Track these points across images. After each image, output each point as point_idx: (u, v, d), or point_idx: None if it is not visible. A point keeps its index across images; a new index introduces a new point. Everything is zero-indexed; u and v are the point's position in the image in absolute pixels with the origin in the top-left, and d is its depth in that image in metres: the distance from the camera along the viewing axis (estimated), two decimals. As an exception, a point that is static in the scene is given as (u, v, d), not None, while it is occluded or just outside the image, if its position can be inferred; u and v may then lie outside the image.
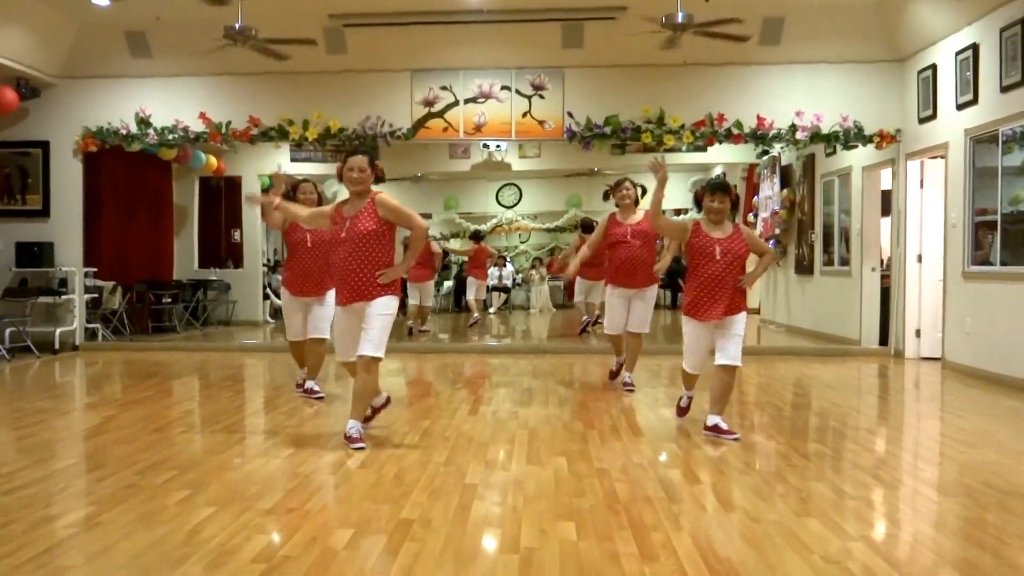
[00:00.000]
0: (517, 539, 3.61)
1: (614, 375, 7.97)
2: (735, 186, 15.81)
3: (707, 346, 5.73)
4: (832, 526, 3.79)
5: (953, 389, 8.23)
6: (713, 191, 5.60)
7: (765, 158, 14.38)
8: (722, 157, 15.26)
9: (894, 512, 4.28)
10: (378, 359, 5.23)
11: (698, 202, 5.80)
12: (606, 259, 7.57)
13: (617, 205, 7.47)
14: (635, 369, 7.76)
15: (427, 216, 21.35)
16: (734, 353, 5.54)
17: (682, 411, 6.22)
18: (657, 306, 18.84)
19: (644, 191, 7.37)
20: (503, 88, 11.04)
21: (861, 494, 4.40)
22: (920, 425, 6.78)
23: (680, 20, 8.63)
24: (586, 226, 13.95)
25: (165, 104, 11.16)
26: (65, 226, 11.29)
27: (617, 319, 7.52)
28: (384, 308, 5.25)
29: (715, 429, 5.59)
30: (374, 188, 5.36)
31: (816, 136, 10.64)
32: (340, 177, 5.39)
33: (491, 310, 18.66)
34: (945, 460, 5.31)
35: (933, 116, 9.64)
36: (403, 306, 17.60)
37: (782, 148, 12.94)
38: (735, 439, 5.50)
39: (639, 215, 7.38)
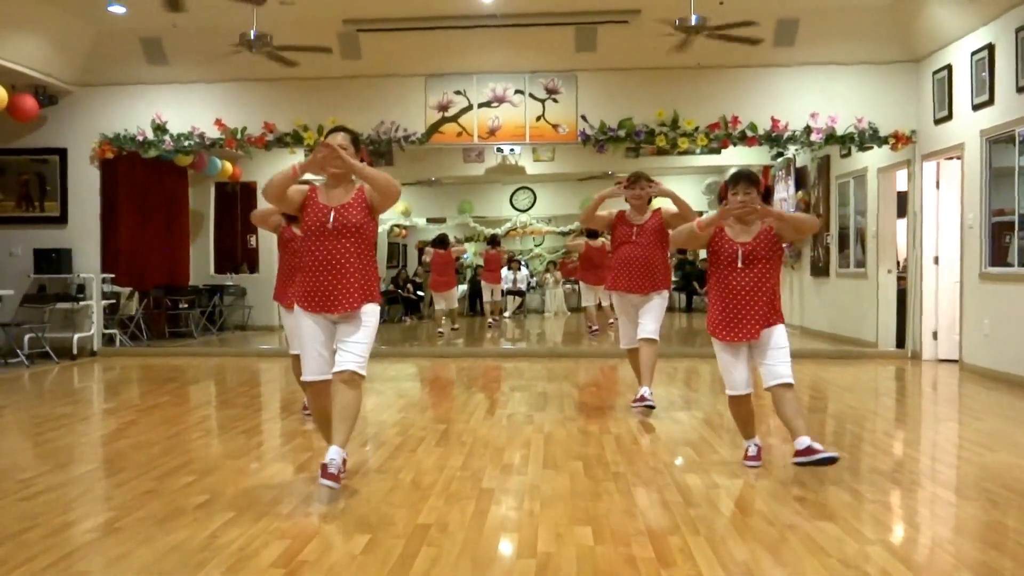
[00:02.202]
0: (534, 544, 3.62)
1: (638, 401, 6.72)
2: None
3: (745, 369, 4.82)
4: (850, 529, 3.77)
5: (971, 391, 8.18)
6: (736, 181, 4.71)
7: (780, 160, 14.35)
8: (736, 159, 15.20)
9: (912, 515, 4.25)
10: (363, 376, 4.42)
11: (722, 199, 4.91)
12: (611, 261, 6.89)
13: (627, 200, 6.70)
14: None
15: (441, 220, 21.41)
16: (781, 370, 4.65)
17: (752, 458, 4.98)
18: (671, 309, 18.71)
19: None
20: (517, 92, 11.06)
21: (879, 497, 4.38)
22: (938, 428, 6.74)
23: (694, 23, 8.61)
24: (592, 232, 13.94)
25: (181, 111, 11.24)
26: (83, 232, 11.38)
27: (629, 330, 6.79)
28: (373, 314, 4.47)
29: (808, 451, 4.50)
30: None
31: (831, 138, 10.61)
32: None
33: (506, 314, 18.68)
34: (964, 463, 5.28)
35: (949, 117, 9.59)
36: (409, 310, 17.82)
37: (797, 150, 12.90)
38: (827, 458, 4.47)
39: (648, 215, 6.67)
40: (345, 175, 4.46)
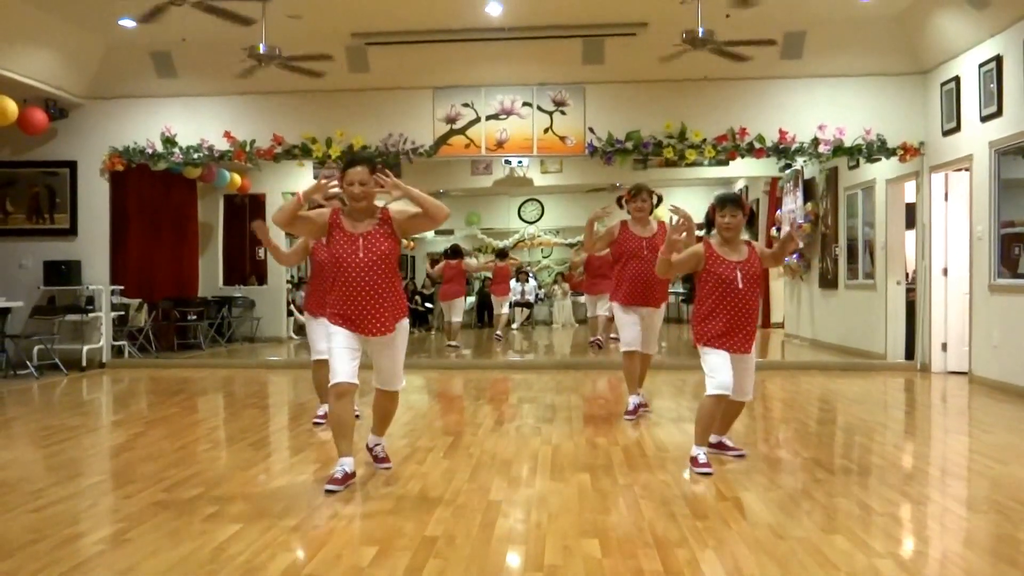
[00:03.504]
0: (541, 556, 3.61)
1: (631, 413, 6.96)
2: (755, 200, 15.80)
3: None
4: (859, 543, 3.76)
5: (981, 404, 8.15)
6: (723, 204, 5.20)
7: (788, 172, 14.34)
8: (744, 171, 15.24)
9: (922, 529, 4.23)
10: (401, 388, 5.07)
11: (710, 221, 5.32)
12: (616, 274, 6.96)
13: (629, 213, 6.84)
14: (656, 385, 7.51)
15: (449, 232, 21.47)
16: (749, 388, 5.37)
17: (704, 465, 5.18)
18: (677, 320, 18.66)
19: (660, 200, 6.87)
20: (524, 104, 11.08)
21: (888, 510, 4.36)
22: (948, 440, 6.70)
23: (701, 35, 8.62)
24: None
25: (190, 123, 11.29)
26: (92, 244, 11.42)
27: (634, 332, 6.87)
28: (403, 329, 4.84)
29: (720, 446, 5.50)
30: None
31: (839, 149, 10.59)
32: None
33: (514, 326, 18.68)
34: (974, 476, 5.26)
35: (957, 128, 9.58)
36: (418, 322, 17.81)
37: (805, 162, 12.90)
38: (740, 455, 5.45)
39: (653, 227, 6.81)
40: (369, 205, 4.65)
